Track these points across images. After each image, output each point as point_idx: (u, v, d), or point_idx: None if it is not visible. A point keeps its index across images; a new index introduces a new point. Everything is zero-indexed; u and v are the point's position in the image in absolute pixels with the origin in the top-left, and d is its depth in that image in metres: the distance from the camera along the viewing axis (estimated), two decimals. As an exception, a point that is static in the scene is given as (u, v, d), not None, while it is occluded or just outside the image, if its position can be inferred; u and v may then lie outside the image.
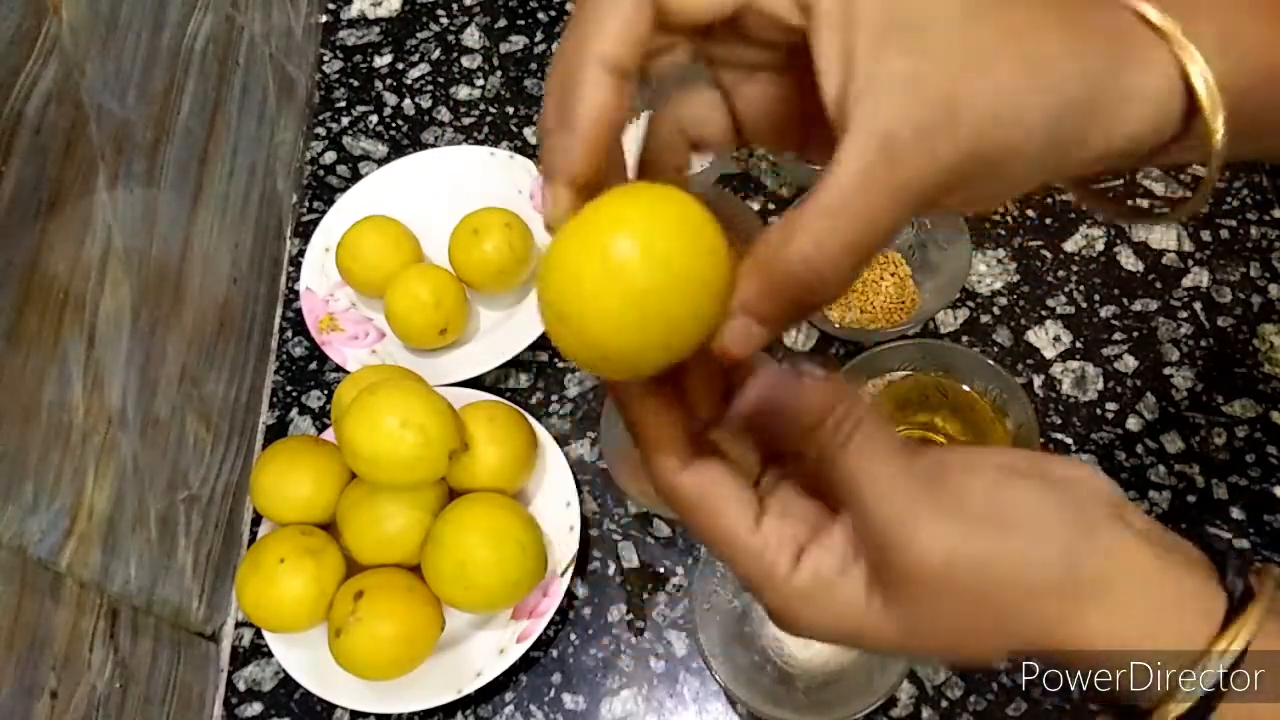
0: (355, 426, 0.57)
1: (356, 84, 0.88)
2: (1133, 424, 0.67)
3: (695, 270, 0.24)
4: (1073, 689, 0.29)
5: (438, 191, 0.79)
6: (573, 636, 0.64)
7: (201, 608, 0.64)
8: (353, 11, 0.93)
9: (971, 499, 0.26)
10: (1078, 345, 0.70)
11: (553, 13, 0.90)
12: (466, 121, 0.85)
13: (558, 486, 0.65)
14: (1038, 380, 0.69)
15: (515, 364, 0.72)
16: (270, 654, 0.62)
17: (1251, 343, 0.69)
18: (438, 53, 0.89)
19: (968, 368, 0.63)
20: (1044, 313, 0.71)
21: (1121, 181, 0.36)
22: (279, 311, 0.78)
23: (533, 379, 0.73)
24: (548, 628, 0.62)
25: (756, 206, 0.77)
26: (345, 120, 0.87)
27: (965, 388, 0.64)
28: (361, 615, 0.57)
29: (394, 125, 0.86)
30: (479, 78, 0.87)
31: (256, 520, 0.69)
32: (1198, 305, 0.70)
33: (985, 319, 0.71)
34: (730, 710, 0.61)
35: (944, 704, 0.59)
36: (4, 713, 0.45)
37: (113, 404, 0.56)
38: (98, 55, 0.56)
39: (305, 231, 0.80)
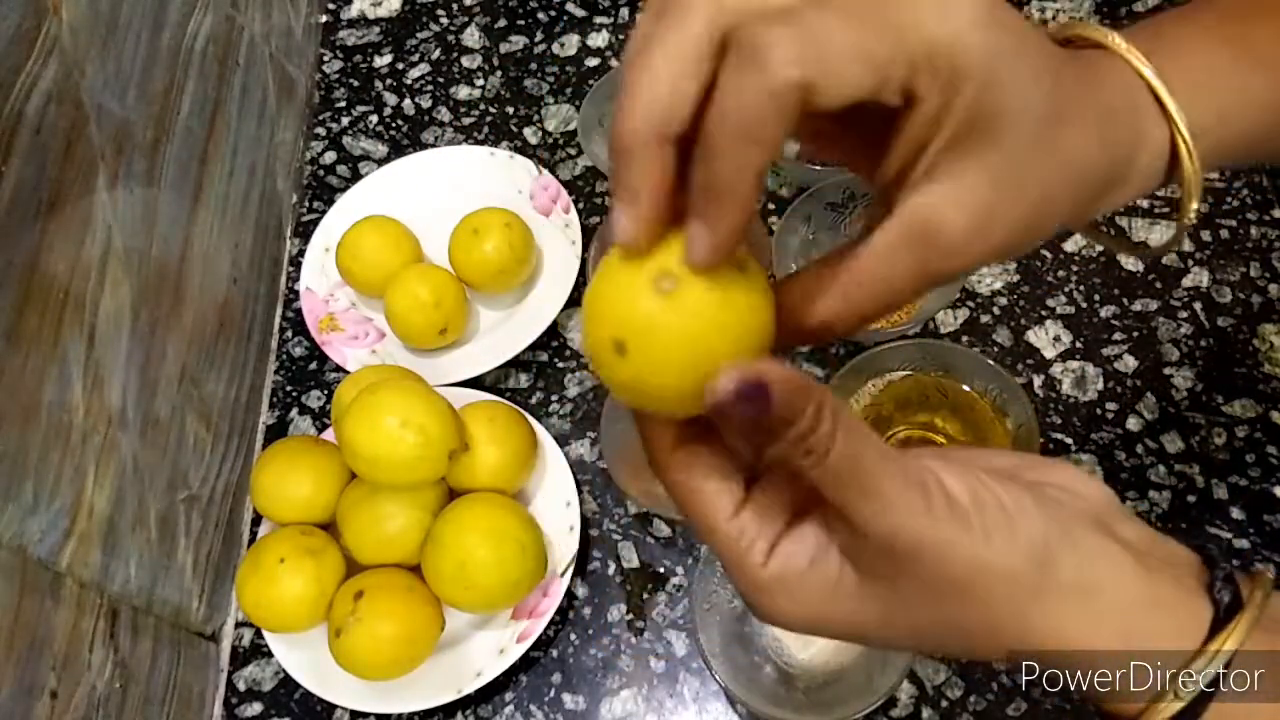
0: (355, 426, 0.57)
1: (356, 84, 0.89)
2: (1133, 424, 0.67)
3: (754, 307, 0.25)
4: (1072, 689, 0.28)
5: (438, 191, 0.79)
6: (573, 636, 0.64)
7: (201, 608, 0.64)
8: (353, 11, 0.93)
9: (956, 497, 0.26)
10: (1078, 345, 0.70)
11: (552, 13, 0.90)
12: (466, 121, 0.85)
13: (558, 486, 0.65)
14: (1038, 380, 0.69)
15: (515, 364, 0.72)
16: (270, 654, 0.62)
17: (1251, 343, 0.69)
18: (438, 53, 0.89)
19: (968, 368, 0.63)
20: (1044, 313, 0.71)
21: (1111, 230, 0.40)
22: (279, 311, 0.78)
23: (533, 379, 0.73)
24: (548, 628, 0.62)
25: (756, 206, 0.77)
26: (345, 120, 0.87)
27: (965, 388, 0.64)
28: (361, 615, 0.57)
29: (394, 125, 0.86)
30: (479, 78, 0.87)
31: (256, 520, 0.69)
32: (1198, 305, 0.70)
33: (985, 319, 0.71)
34: (730, 710, 0.61)
35: (944, 704, 0.59)
36: (4, 713, 0.46)
37: (113, 404, 0.56)
38: (98, 55, 0.56)
39: (305, 231, 0.80)
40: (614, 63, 0.86)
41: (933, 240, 0.26)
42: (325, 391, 0.74)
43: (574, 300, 0.73)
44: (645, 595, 0.64)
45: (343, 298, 0.76)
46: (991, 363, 0.62)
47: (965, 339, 0.70)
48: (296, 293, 0.76)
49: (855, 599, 0.27)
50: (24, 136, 0.49)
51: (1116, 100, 0.30)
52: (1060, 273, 0.72)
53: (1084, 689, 0.28)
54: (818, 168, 0.70)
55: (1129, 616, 0.27)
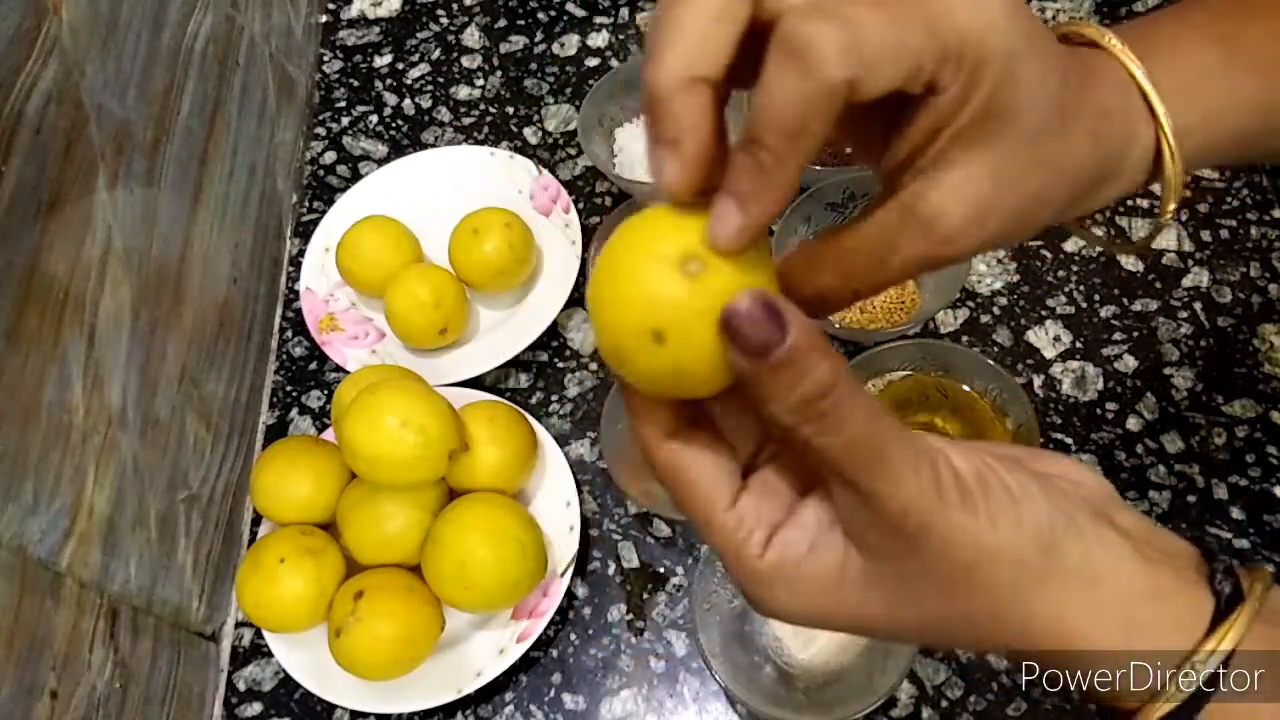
0: (355, 426, 0.57)
1: (356, 84, 0.89)
2: (1133, 424, 0.67)
3: (770, 282, 0.26)
4: (1072, 688, 0.28)
5: (438, 191, 0.79)
6: (573, 636, 0.64)
7: (201, 608, 0.64)
8: (353, 11, 0.93)
9: (964, 479, 0.26)
10: (1078, 345, 0.70)
11: (552, 13, 0.90)
12: (466, 121, 0.85)
13: (558, 486, 0.65)
14: (1038, 380, 0.69)
15: (515, 364, 0.72)
16: (270, 654, 0.62)
17: (1251, 343, 0.69)
18: (438, 53, 0.89)
19: (968, 368, 0.63)
20: (1044, 313, 0.71)
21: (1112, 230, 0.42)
22: (279, 311, 0.78)
23: (533, 379, 0.73)
24: (548, 628, 0.62)
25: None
26: (345, 120, 0.87)
27: (965, 388, 0.64)
28: (361, 615, 0.57)
29: (394, 125, 0.86)
30: (479, 78, 0.87)
31: (256, 520, 0.69)
32: (1198, 305, 0.70)
33: (985, 319, 0.71)
34: (730, 710, 0.61)
35: (944, 704, 0.59)
36: (4, 713, 0.45)
37: (113, 404, 0.56)
38: (98, 55, 0.56)
39: (305, 231, 0.80)
40: (614, 63, 0.86)
41: (931, 227, 0.26)
42: (325, 391, 0.74)
43: (574, 300, 0.73)
44: (645, 595, 0.64)
45: (343, 298, 0.76)
46: (991, 363, 0.62)
47: (965, 339, 0.70)
48: (296, 293, 0.76)
49: (860, 587, 0.27)
50: (24, 136, 0.49)
51: (1111, 100, 0.31)
52: (1060, 273, 0.72)
53: (1084, 687, 0.28)
54: (818, 168, 0.70)
55: (1131, 605, 0.27)
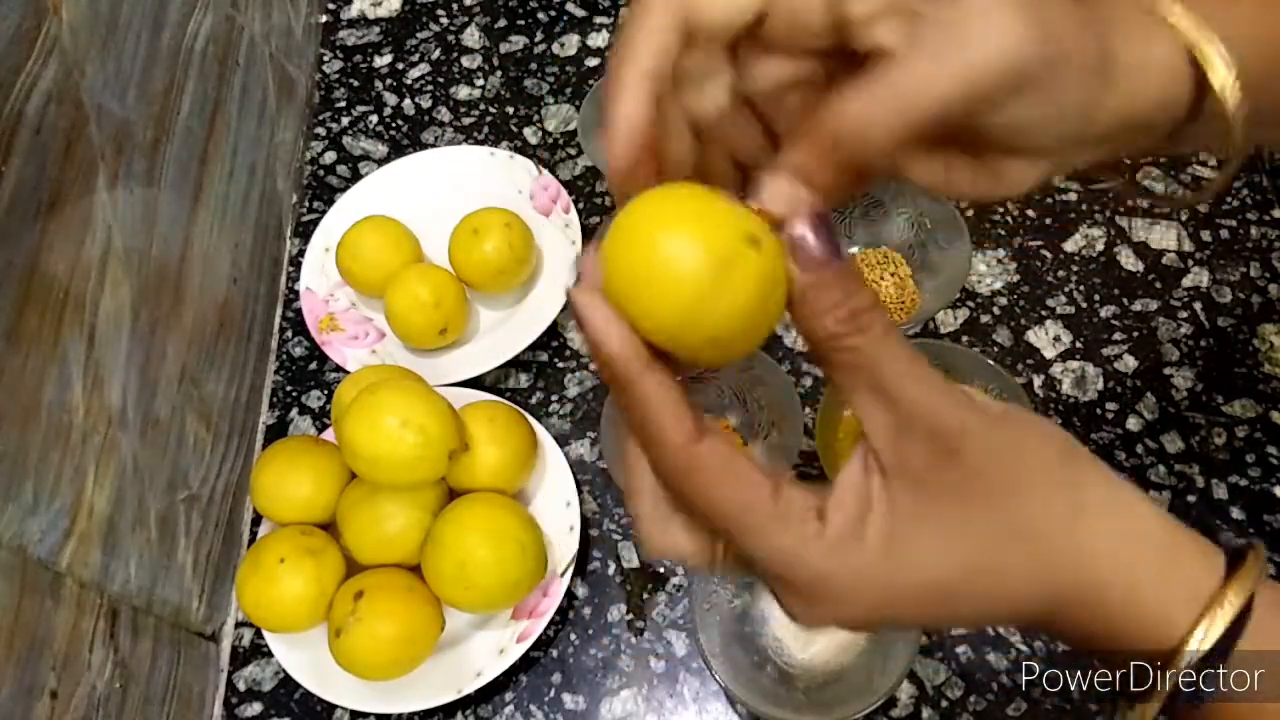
0: (355, 426, 0.57)
1: (356, 84, 0.89)
2: (1133, 424, 0.67)
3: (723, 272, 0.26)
4: (1093, 628, 0.28)
5: (438, 191, 0.79)
6: (573, 636, 0.64)
7: (201, 608, 0.64)
8: (353, 11, 0.93)
9: (985, 402, 0.28)
10: (1078, 345, 0.70)
11: (552, 13, 0.90)
12: (466, 121, 0.85)
13: (558, 486, 0.65)
14: (1038, 380, 0.69)
15: (515, 364, 0.72)
16: (270, 654, 0.62)
17: (1251, 343, 0.69)
18: (438, 53, 0.89)
19: (968, 368, 0.63)
20: (1044, 313, 0.71)
21: (1122, 181, 0.38)
22: (279, 311, 0.78)
23: (533, 379, 0.73)
24: (548, 628, 0.62)
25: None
26: (345, 120, 0.87)
27: (965, 388, 0.64)
28: (361, 615, 0.57)
29: (394, 125, 0.86)
30: (479, 78, 0.87)
31: (256, 520, 0.69)
32: (1198, 305, 0.70)
33: (985, 319, 0.71)
34: (730, 710, 0.61)
35: (944, 704, 0.59)
36: (4, 713, 0.45)
37: (113, 404, 0.56)
38: (98, 55, 0.56)
39: (305, 231, 0.80)
40: (614, 63, 0.86)
41: (926, 46, 0.26)
42: (325, 391, 0.74)
43: (574, 300, 0.73)
44: (645, 595, 0.64)
45: (343, 298, 0.76)
46: (991, 363, 0.62)
47: (965, 339, 0.70)
48: (296, 293, 0.76)
49: (913, 530, 0.26)
50: (24, 136, 0.49)
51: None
52: (1060, 273, 0.72)
53: (1109, 622, 0.28)
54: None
55: (1159, 534, 0.28)
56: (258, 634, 0.65)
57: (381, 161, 0.83)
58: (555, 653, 0.63)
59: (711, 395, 0.68)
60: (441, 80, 0.88)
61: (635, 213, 0.26)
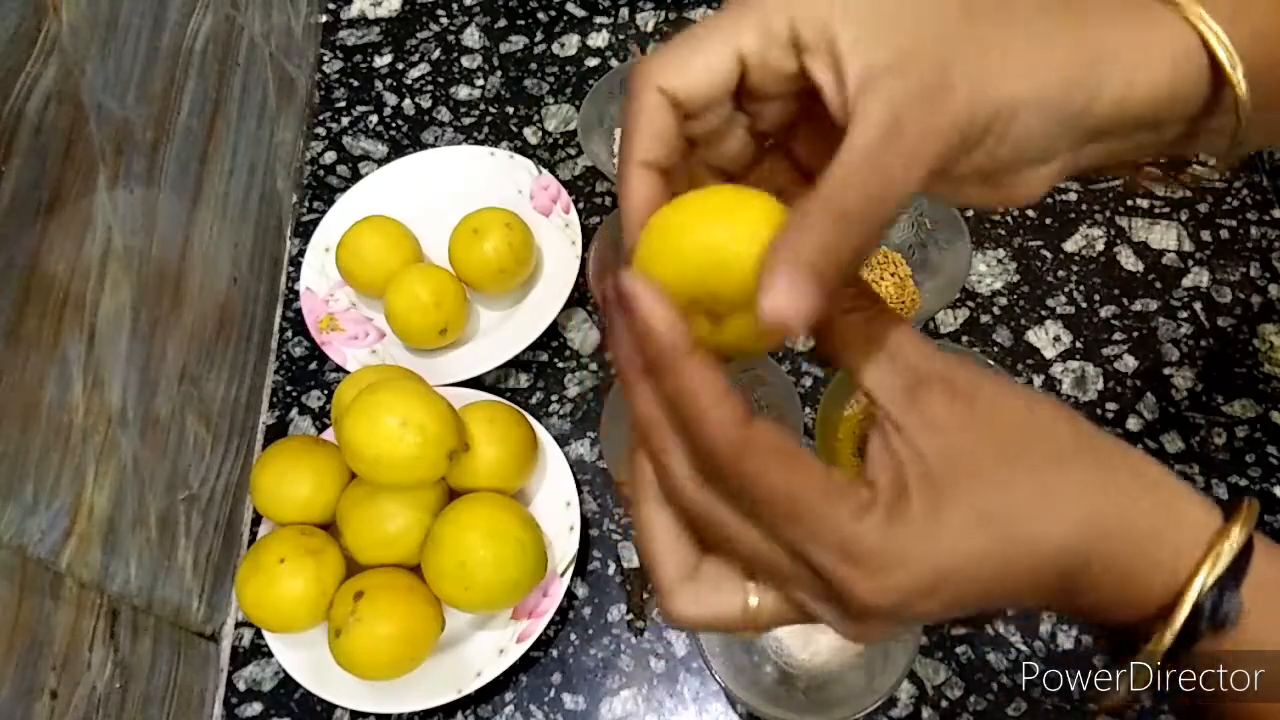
0: (355, 426, 0.57)
1: (356, 84, 0.89)
2: (1133, 424, 0.67)
3: (748, 249, 0.26)
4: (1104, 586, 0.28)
5: (438, 191, 0.79)
6: (573, 636, 0.64)
7: (201, 608, 0.64)
8: (353, 11, 0.93)
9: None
10: (1078, 345, 0.70)
11: (552, 13, 0.90)
12: (466, 121, 0.85)
13: (558, 486, 0.65)
14: (1038, 380, 0.69)
15: (515, 364, 0.72)
16: (270, 654, 0.62)
17: (1251, 343, 0.69)
18: (438, 53, 0.89)
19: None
20: (1044, 313, 0.71)
21: (1124, 180, 0.37)
22: (279, 311, 0.78)
23: (533, 379, 0.73)
24: (548, 628, 0.62)
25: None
26: (345, 120, 0.87)
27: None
28: (361, 615, 0.57)
29: (394, 125, 0.86)
30: (479, 78, 0.87)
31: (256, 520, 0.69)
32: (1198, 305, 0.70)
33: (985, 319, 0.71)
34: (730, 710, 0.61)
35: (944, 704, 0.59)
36: (4, 713, 0.45)
37: (113, 404, 0.56)
38: (98, 55, 0.56)
39: (305, 231, 0.80)
40: (614, 63, 0.86)
41: (896, 119, 0.25)
42: (325, 391, 0.74)
43: (574, 300, 0.73)
44: (645, 595, 0.64)
45: (343, 298, 0.76)
46: (991, 363, 0.62)
47: (965, 339, 0.70)
48: (296, 293, 0.76)
49: (946, 468, 0.26)
50: (24, 136, 0.49)
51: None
52: (1060, 273, 0.72)
53: (1130, 564, 0.27)
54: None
55: (1159, 486, 0.28)
56: (258, 634, 0.65)
57: (381, 161, 0.83)
58: (555, 653, 0.63)
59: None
60: (441, 80, 0.88)
61: (682, 207, 0.28)
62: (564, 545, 0.63)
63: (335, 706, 0.62)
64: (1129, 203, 0.75)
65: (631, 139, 0.29)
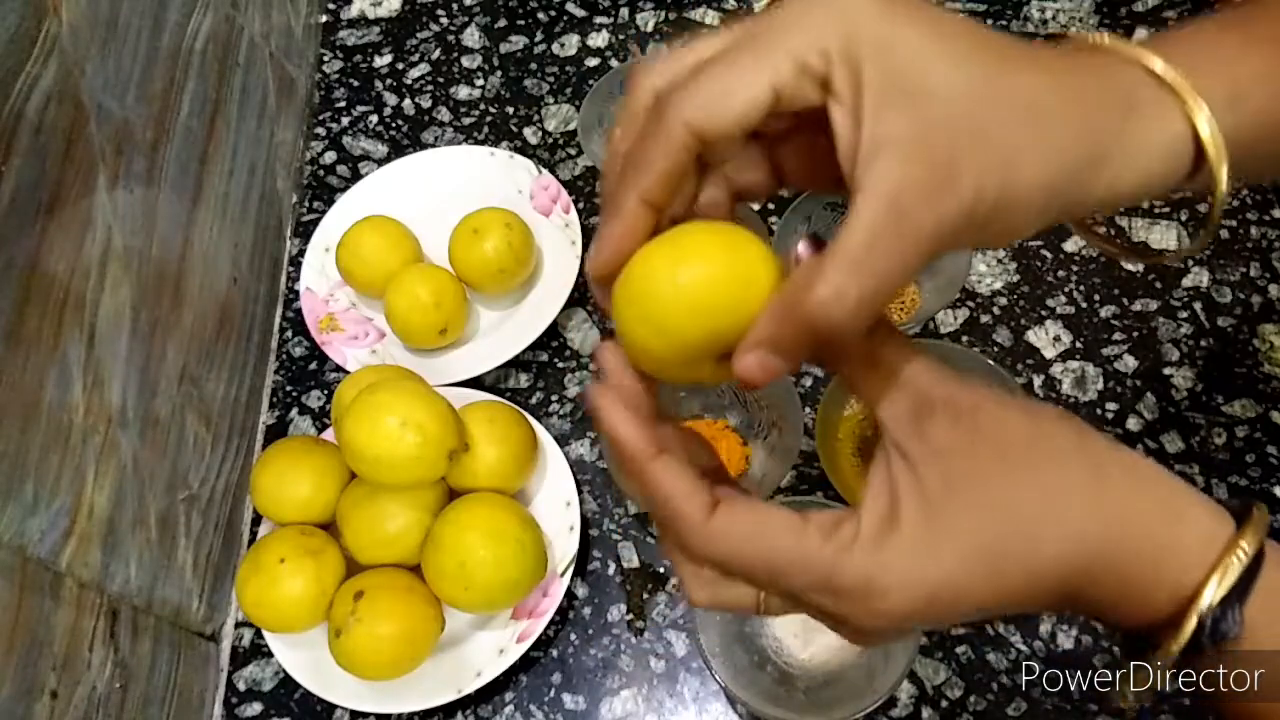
0: (355, 426, 0.57)
1: (356, 84, 0.89)
2: (1133, 424, 0.67)
3: (739, 291, 0.28)
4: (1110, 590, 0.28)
5: (438, 191, 0.79)
6: (573, 636, 0.64)
7: (201, 608, 0.64)
8: (353, 11, 0.93)
9: (994, 388, 0.29)
10: (1078, 345, 0.70)
11: (552, 13, 0.90)
12: (466, 121, 0.85)
13: (558, 486, 0.65)
14: (1038, 380, 0.69)
15: (515, 364, 0.72)
16: (270, 654, 0.62)
17: (1251, 343, 0.69)
18: (438, 53, 0.89)
19: (967, 368, 0.63)
20: (1044, 313, 0.71)
21: (1112, 230, 0.38)
22: (279, 311, 0.78)
23: (533, 379, 0.73)
24: (548, 628, 0.62)
25: (756, 207, 0.77)
26: (345, 120, 0.87)
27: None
28: (361, 615, 0.57)
29: (394, 125, 0.86)
30: (479, 78, 0.87)
31: (256, 520, 0.69)
32: (1198, 305, 0.70)
33: (985, 319, 0.71)
34: (730, 710, 0.61)
35: (944, 704, 0.59)
36: (4, 713, 0.46)
37: (113, 404, 0.56)
38: (98, 55, 0.56)
39: (305, 231, 0.80)
40: (614, 63, 0.86)
41: (899, 202, 0.25)
42: (325, 391, 0.74)
43: (574, 300, 0.73)
44: (645, 595, 0.64)
45: (343, 298, 0.76)
46: (991, 363, 0.62)
47: (965, 339, 0.70)
48: (296, 293, 0.76)
49: (945, 501, 0.27)
50: (24, 136, 0.49)
51: (1096, 69, 0.29)
52: (1060, 273, 0.72)
53: (1136, 575, 0.28)
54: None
55: (1169, 495, 0.28)
56: (258, 634, 0.65)
57: (381, 161, 0.83)
58: (555, 653, 0.63)
59: (711, 395, 0.68)
60: (441, 80, 0.88)
61: (666, 256, 0.28)
62: (564, 545, 0.63)
63: (335, 706, 0.62)
64: (1132, 196, 0.75)
65: (642, 170, 0.28)
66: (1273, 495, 0.63)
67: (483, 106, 0.86)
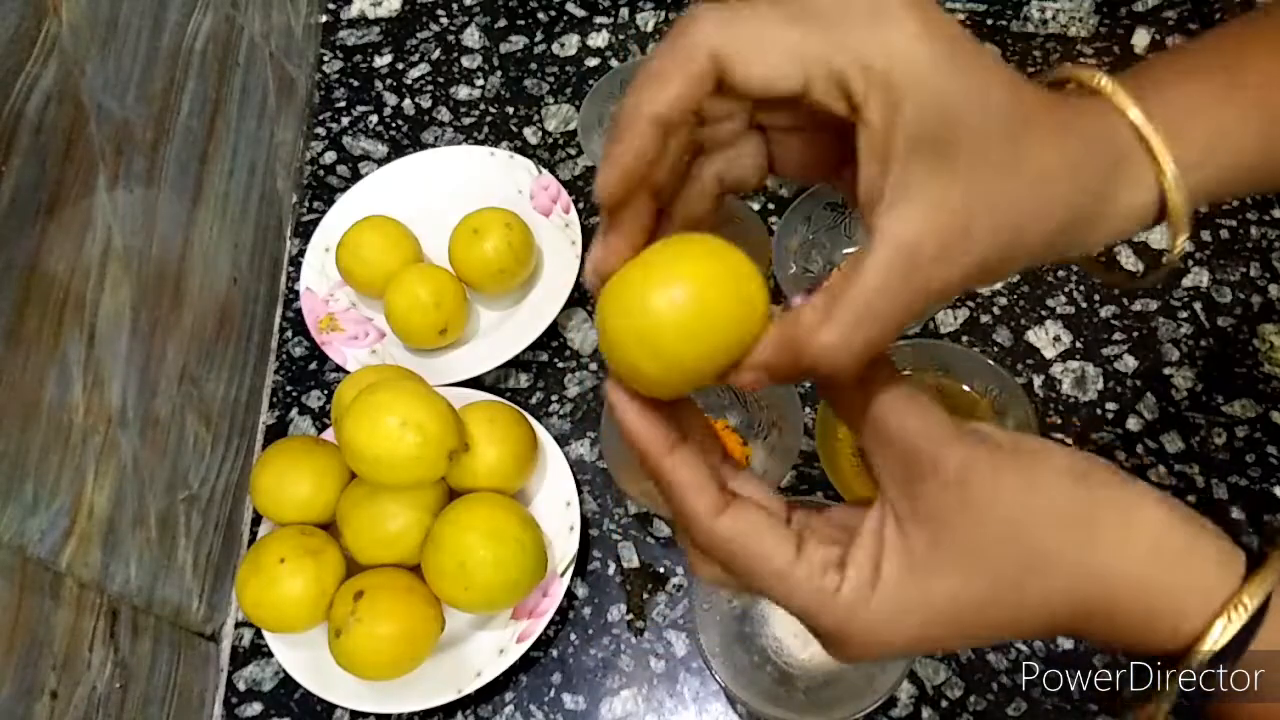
0: (355, 426, 0.57)
1: (356, 84, 0.89)
2: (1133, 424, 0.67)
3: (733, 313, 0.28)
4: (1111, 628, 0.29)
5: (438, 191, 0.79)
6: (573, 636, 0.64)
7: (201, 608, 0.64)
8: (353, 11, 0.93)
9: (992, 435, 0.29)
10: (1078, 345, 0.70)
11: (552, 13, 0.90)
12: (466, 121, 0.85)
13: (558, 486, 0.65)
14: (1038, 380, 0.69)
15: (515, 364, 0.72)
16: (270, 654, 0.62)
17: (1251, 343, 0.69)
18: (438, 53, 0.89)
19: (968, 368, 0.63)
20: (1044, 313, 0.71)
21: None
22: (279, 311, 0.78)
23: (533, 379, 0.73)
24: (548, 628, 0.62)
25: (756, 207, 0.77)
26: (345, 120, 0.87)
27: (965, 388, 0.64)
28: (361, 615, 0.57)
29: (394, 125, 0.86)
30: (479, 78, 0.87)
31: (256, 520, 0.69)
32: (1198, 305, 0.70)
33: (985, 319, 0.71)
34: (730, 710, 0.61)
35: (944, 704, 0.59)
36: (4, 713, 0.46)
37: (113, 404, 0.56)
38: (98, 55, 0.56)
39: (305, 231, 0.80)
40: (614, 63, 0.86)
41: (914, 257, 0.26)
42: (325, 391, 0.74)
43: (574, 300, 0.73)
44: (645, 595, 0.64)
45: (343, 298, 0.76)
46: (991, 363, 0.62)
47: (965, 339, 0.70)
48: (296, 293, 0.76)
49: (931, 569, 0.28)
50: (24, 136, 0.49)
51: (1092, 129, 0.30)
52: (1060, 273, 0.72)
53: (1138, 631, 0.28)
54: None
55: (1173, 538, 0.28)
56: (258, 634, 0.65)
57: (381, 161, 0.83)
58: (555, 653, 0.63)
59: (711, 395, 0.68)
60: (441, 80, 0.88)
61: (656, 271, 0.28)
62: (564, 545, 0.63)
63: (335, 706, 0.62)
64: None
65: (660, 88, 0.26)
66: (1273, 495, 0.63)
67: (483, 106, 0.86)
